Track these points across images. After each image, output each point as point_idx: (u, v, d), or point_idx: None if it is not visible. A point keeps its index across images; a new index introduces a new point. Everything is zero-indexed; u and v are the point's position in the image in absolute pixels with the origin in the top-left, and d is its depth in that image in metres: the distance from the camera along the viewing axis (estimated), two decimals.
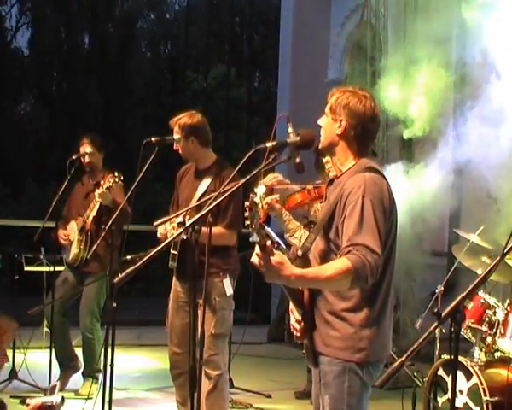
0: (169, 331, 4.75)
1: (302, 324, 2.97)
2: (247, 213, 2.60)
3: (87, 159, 6.08)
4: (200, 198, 4.53)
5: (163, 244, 3.22)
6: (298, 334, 2.99)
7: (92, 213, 5.86)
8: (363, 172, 2.94)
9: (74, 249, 5.94)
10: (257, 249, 2.63)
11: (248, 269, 4.78)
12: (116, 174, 5.54)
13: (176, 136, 4.68)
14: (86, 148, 6.07)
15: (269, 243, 2.63)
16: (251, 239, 2.59)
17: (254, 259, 2.66)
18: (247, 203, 2.59)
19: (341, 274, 2.71)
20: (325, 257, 2.94)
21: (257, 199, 2.61)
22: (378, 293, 2.92)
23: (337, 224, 2.91)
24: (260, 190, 2.62)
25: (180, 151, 4.73)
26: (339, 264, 2.74)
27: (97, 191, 5.69)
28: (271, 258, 2.63)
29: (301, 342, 3.04)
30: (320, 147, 3.11)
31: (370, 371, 2.94)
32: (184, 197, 4.74)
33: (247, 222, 2.60)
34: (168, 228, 4.41)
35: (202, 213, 3.20)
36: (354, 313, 2.90)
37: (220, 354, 4.65)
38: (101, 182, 5.72)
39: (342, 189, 2.92)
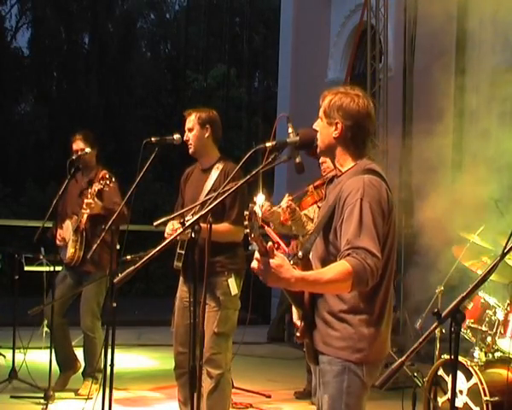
0: (174, 331, 4.74)
1: (302, 323, 2.97)
2: (246, 222, 2.58)
3: (78, 154, 6.04)
4: (207, 195, 4.54)
5: (163, 244, 3.22)
6: (298, 334, 3.00)
7: (86, 213, 5.84)
8: (362, 173, 2.92)
9: (70, 249, 5.93)
10: (256, 254, 2.62)
11: (249, 269, 4.79)
12: (107, 176, 5.52)
13: (189, 124, 4.71)
14: (79, 144, 6.05)
15: (270, 244, 2.61)
16: (250, 248, 2.59)
17: (254, 264, 2.65)
18: (246, 212, 2.58)
19: (342, 277, 2.70)
20: (325, 258, 2.94)
21: (257, 208, 2.59)
22: (377, 294, 2.92)
23: (335, 225, 2.90)
24: (260, 199, 2.60)
25: (191, 142, 4.73)
26: (339, 267, 2.73)
27: (85, 201, 5.66)
28: (271, 261, 2.61)
29: (302, 341, 3.04)
30: (318, 151, 3.10)
31: (371, 372, 2.95)
32: (189, 197, 4.73)
33: (247, 231, 2.58)
34: (175, 226, 4.39)
35: (202, 212, 3.20)
36: (353, 315, 2.90)
37: (222, 353, 4.61)
38: (94, 184, 5.69)
39: (341, 190, 2.92)
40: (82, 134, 6.12)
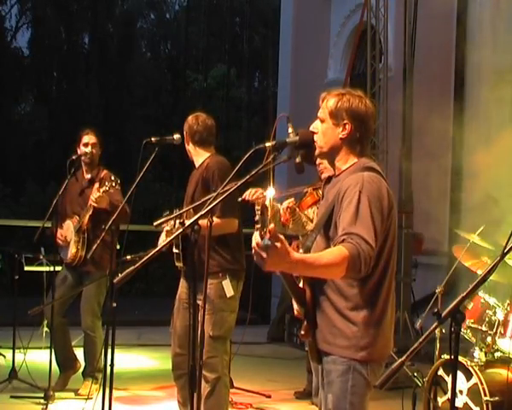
0: (172, 332, 4.70)
1: (305, 322, 2.97)
2: (257, 217, 2.54)
3: (89, 148, 6.03)
4: (192, 196, 4.59)
5: (163, 244, 3.22)
6: (303, 332, 2.99)
7: (88, 212, 5.84)
8: (361, 171, 2.94)
9: (72, 249, 5.93)
10: (257, 239, 2.53)
11: (249, 269, 4.76)
12: (113, 178, 5.52)
13: None
14: (91, 138, 6.05)
15: (271, 226, 2.58)
16: (263, 243, 2.52)
17: (254, 253, 2.57)
18: (257, 207, 2.55)
19: (338, 261, 2.69)
20: None
21: (267, 202, 2.55)
22: (379, 292, 2.93)
23: (335, 220, 2.91)
24: (270, 193, 2.57)
25: None
26: (336, 251, 2.73)
27: (93, 195, 5.66)
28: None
29: (306, 340, 3.03)
30: (318, 153, 3.08)
31: (375, 370, 2.95)
32: (185, 197, 4.79)
33: (258, 226, 2.54)
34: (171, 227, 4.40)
35: (202, 212, 3.20)
36: (356, 312, 2.90)
37: (219, 356, 4.52)
38: (96, 185, 5.70)
39: (340, 187, 2.93)
40: (93, 130, 6.15)
